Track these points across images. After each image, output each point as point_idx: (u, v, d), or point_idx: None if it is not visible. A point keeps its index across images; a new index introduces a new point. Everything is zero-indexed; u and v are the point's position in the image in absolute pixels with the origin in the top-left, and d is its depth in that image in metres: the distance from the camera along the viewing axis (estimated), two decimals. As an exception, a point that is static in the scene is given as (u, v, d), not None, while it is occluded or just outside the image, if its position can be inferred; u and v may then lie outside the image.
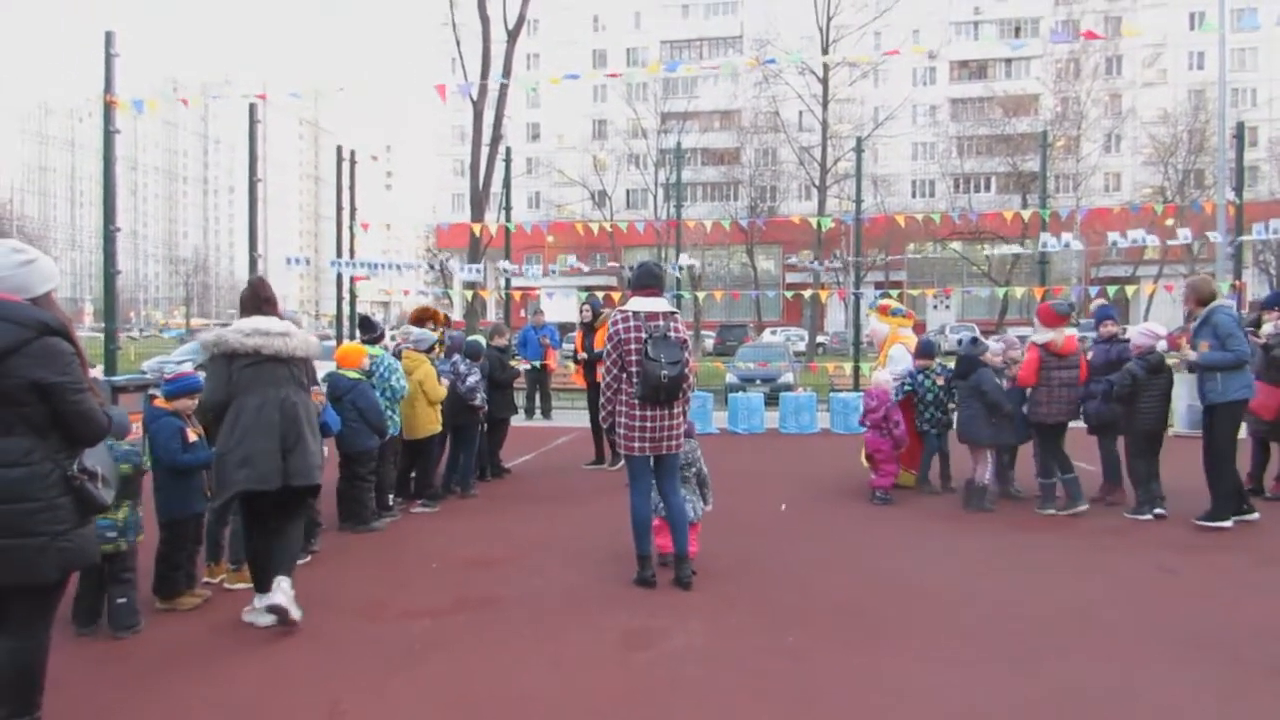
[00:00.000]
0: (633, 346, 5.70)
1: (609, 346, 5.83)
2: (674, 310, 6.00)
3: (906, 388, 9.05)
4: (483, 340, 9.99)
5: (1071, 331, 8.17)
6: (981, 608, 5.46)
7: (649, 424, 5.75)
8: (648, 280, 5.96)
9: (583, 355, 11.14)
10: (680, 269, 15.93)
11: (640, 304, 5.84)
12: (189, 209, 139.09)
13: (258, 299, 5.32)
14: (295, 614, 5.04)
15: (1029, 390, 8.11)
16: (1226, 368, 7.30)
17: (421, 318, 9.29)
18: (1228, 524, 7.32)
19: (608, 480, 9.56)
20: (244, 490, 4.98)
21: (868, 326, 10.09)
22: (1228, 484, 7.44)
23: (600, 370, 5.96)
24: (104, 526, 4.77)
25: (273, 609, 4.98)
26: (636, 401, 5.74)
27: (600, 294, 13.56)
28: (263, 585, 5.12)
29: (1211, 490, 7.52)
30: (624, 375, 5.80)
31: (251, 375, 5.05)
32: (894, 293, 18.80)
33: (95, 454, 3.58)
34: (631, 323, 5.76)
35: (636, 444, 5.79)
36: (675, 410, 5.83)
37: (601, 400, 5.99)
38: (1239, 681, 4.34)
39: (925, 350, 9.28)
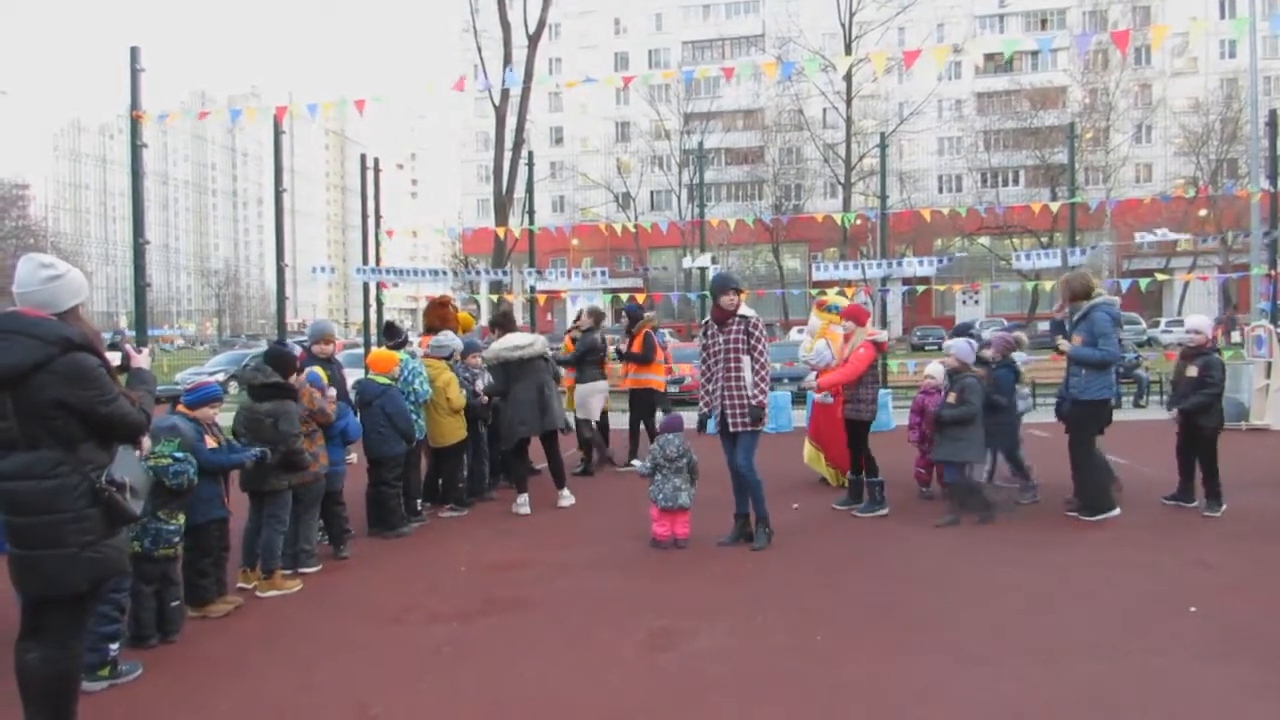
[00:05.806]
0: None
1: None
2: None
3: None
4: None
5: (884, 336, 8.50)
6: (1011, 604, 5.40)
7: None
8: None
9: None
10: (703, 269, 15.91)
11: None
12: (219, 221, 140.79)
13: (507, 321, 9.39)
14: (566, 502, 8.59)
15: (854, 386, 7.90)
16: (1094, 364, 7.34)
17: (442, 303, 9.36)
18: (1114, 512, 7.41)
19: (634, 483, 9.54)
20: (523, 435, 8.31)
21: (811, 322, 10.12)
22: (1092, 478, 7.47)
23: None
24: (170, 531, 5.04)
25: (566, 505, 8.57)
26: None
27: (625, 295, 13.50)
28: (522, 488, 8.45)
29: (1078, 487, 7.65)
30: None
31: (519, 370, 8.32)
32: (920, 288, 18.62)
33: (124, 465, 3.61)
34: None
35: None
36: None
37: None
38: (1278, 678, 4.26)
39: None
